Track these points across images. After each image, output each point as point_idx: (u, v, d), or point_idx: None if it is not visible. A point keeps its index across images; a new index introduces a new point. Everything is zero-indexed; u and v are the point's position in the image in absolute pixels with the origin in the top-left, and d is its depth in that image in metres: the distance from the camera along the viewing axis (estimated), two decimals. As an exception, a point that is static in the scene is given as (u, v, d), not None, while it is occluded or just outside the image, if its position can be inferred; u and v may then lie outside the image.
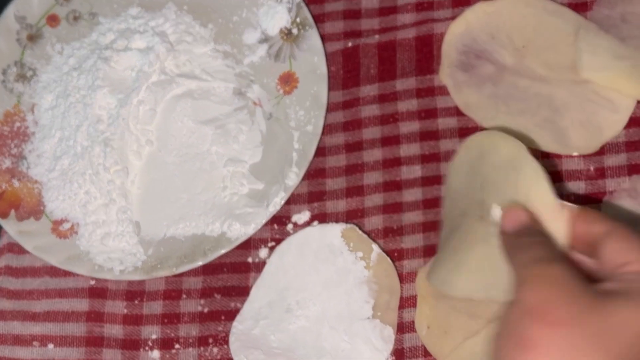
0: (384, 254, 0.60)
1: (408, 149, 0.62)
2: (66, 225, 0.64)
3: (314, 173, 0.63)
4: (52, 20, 0.69)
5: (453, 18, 0.64)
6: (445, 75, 0.63)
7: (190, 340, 0.61)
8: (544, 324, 0.39)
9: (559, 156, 0.60)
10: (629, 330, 0.39)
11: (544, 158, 0.60)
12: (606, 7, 0.63)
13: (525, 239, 0.45)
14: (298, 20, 0.66)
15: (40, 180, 0.65)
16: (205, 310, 0.61)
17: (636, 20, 0.62)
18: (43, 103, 0.67)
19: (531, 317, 0.39)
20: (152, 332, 0.62)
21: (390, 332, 0.58)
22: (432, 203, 0.61)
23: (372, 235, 0.61)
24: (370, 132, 0.63)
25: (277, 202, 0.62)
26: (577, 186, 0.60)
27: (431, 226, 0.60)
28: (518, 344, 0.39)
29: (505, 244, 0.47)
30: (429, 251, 0.60)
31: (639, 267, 0.41)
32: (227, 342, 0.60)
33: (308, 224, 0.62)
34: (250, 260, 0.62)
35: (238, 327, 0.60)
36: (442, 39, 0.64)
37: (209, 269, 0.62)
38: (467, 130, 0.62)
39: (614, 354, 0.38)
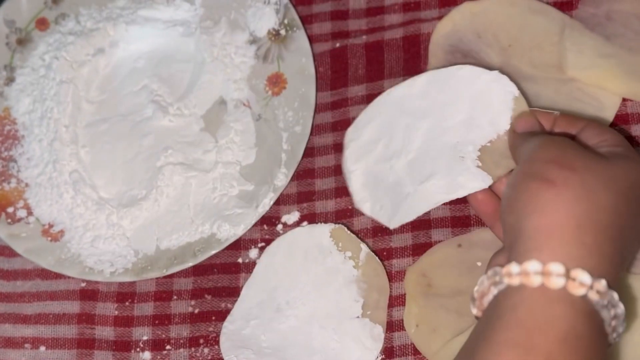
0: (373, 254, 0.60)
1: (396, 149, 0.63)
2: (56, 228, 0.64)
3: (302, 173, 0.64)
4: (41, 23, 0.69)
5: (440, 18, 0.65)
6: None
7: (181, 341, 0.61)
8: (565, 168, 0.47)
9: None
10: (625, 176, 0.48)
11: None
12: (591, 6, 0.63)
13: (534, 135, 0.53)
14: (286, 21, 0.66)
15: (30, 183, 0.66)
16: (196, 311, 0.62)
17: (621, 18, 0.62)
18: (20, 106, 0.67)
19: (554, 163, 0.48)
20: (143, 333, 0.62)
21: (379, 331, 0.58)
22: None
23: (361, 234, 0.61)
24: (359, 132, 0.64)
25: (266, 203, 0.62)
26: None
27: (420, 225, 0.61)
28: (543, 183, 0.47)
29: (515, 140, 0.54)
30: (418, 250, 0.60)
31: (613, 141, 0.51)
32: (218, 343, 0.60)
33: (297, 224, 0.63)
34: (240, 260, 0.63)
35: (229, 327, 0.60)
36: (429, 38, 0.64)
37: (199, 270, 0.63)
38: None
39: (616, 192, 0.47)
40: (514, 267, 0.46)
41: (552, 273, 0.45)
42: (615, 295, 0.46)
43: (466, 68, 0.58)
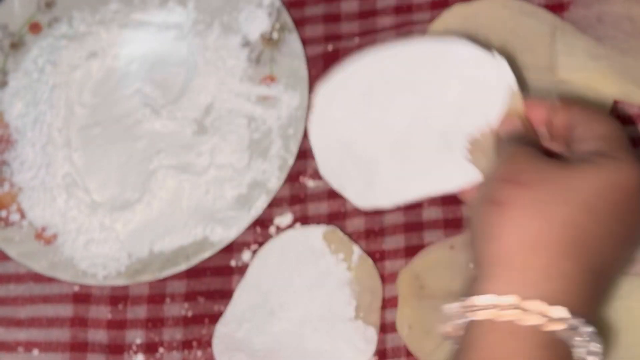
0: (366, 256, 0.60)
1: (388, 151, 0.63)
2: (50, 232, 0.64)
3: (295, 176, 0.64)
4: (34, 27, 0.69)
5: (432, 20, 0.65)
6: None
7: (175, 344, 0.61)
8: (515, 185, 0.44)
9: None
10: (587, 185, 0.44)
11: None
12: (583, 8, 0.63)
13: (505, 146, 0.50)
14: (278, 24, 0.66)
15: (23, 186, 0.66)
16: (189, 314, 0.62)
17: (612, 19, 0.62)
18: (13, 110, 0.67)
19: (504, 182, 0.45)
20: (137, 336, 0.62)
21: (372, 333, 0.58)
22: (413, 204, 0.61)
23: (353, 237, 0.61)
24: (351, 135, 0.64)
25: (259, 206, 0.62)
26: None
27: (412, 227, 0.61)
28: (493, 203, 0.45)
29: (496, 147, 0.51)
30: (410, 252, 0.60)
31: (594, 147, 0.47)
32: (211, 345, 0.60)
33: (290, 226, 0.63)
34: (233, 263, 0.63)
35: (221, 330, 0.60)
36: (421, 41, 0.64)
37: (192, 273, 0.63)
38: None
39: (574, 204, 0.44)
40: (473, 300, 0.44)
41: (503, 306, 0.43)
42: (578, 320, 0.43)
43: (465, 47, 0.54)
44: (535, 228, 0.43)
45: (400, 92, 0.55)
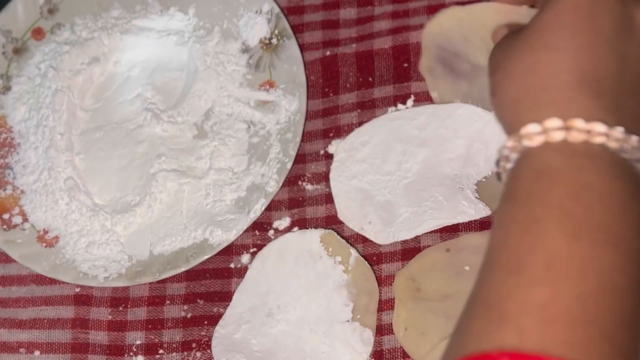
0: (362, 258, 0.61)
1: (386, 155, 0.64)
2: (51, 234, 0.65)
3: (293, 180, 0.65)
4: (37, 33, 0.70)
5: (428, 26, 0.66)
6: (425, 68, 0.64)
7: (174, 345, 0.62)
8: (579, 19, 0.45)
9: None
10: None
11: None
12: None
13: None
14: (277, 30, 0.67)
15: (25, 190, 0.67)
16: (189, 315, 0.63)
17: None
18: (16, 115, 0.68)
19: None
20: (137, 337, 0.63)
21: (369, 335, 0.59)
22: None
23: (351, 240, 0.62)
24: (349, 139, 0.65)
25: (257, 209, 0.63)
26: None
27: (409, 230, 0.61)
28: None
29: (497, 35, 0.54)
30: (407, 255, 0.61)
31: None
32: (210, 347, 0.61)
33: (288, 229, 0.64)
34: (232, 265, 0.63)
35: (220, 331, 0.61)
36: (418, 47, 0.65)
37: (191, 275, 0.63)
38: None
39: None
40: (533, 127, 0.43)
41: (574, 127, 0.42)
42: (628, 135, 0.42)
43: (465, 107, 0.62)
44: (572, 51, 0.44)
45: (413, 147, 0.62)
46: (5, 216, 0.66)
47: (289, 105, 0.65)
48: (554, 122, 0.43)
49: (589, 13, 0.46)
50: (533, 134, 0.44)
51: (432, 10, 0.66)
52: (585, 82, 0.44)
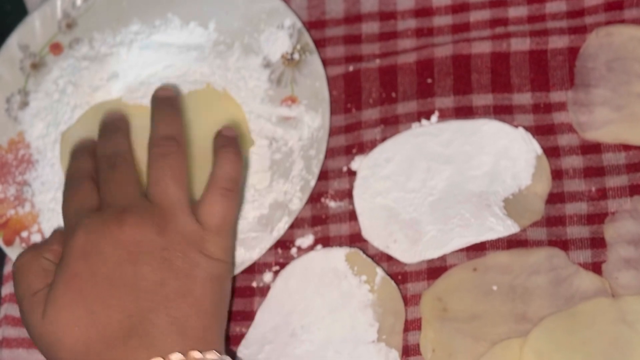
0: (388, 277, 0.60)
1: (410, 172, 0.63)
2: (71, 252, 0.64)
3: (316, 197, 0.64)
4: (55, 48, 0.70)
5: (454, 43, 0.65)
6: None
7: (196, 366, 0.61)
8: None
9: (559, 177, 0.61)
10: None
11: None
12: (588, 61, 0.63)
13: None
14: (299, 45, 0.66)
15: (42, 207, 0.66)
16: (211, 335, 0.62)
17: (621, 66, 0.62)
18: (33, 131, 0.67)
19: None
20: (158, 358, 0.62)
21: (395, 356, 0.58)
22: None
23: (375, 258, 0.61)
24: (373, 156, 0.64)
25: (281, 227, 0.62)
26: (579, 207, 0.60)
27: (434, 249, 0.61)
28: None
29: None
30: (433, 274, 0.60)
31: None
32: (232, 367, 0.60)
33: (312, 247, 0.63)
34: (254, 284, 0.63)
35: (243, 351, 0.60)
36: (442, 62, 0.65)
37: (213, 294, 0.63)
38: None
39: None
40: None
41: None
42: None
43: (492, 124, 0.62)
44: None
45: (438, 164, 0.61)
46: (24, 234, 0.65)
47: (312, 122, 0.65)
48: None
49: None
50: None
51: (457, 29, 0.65)
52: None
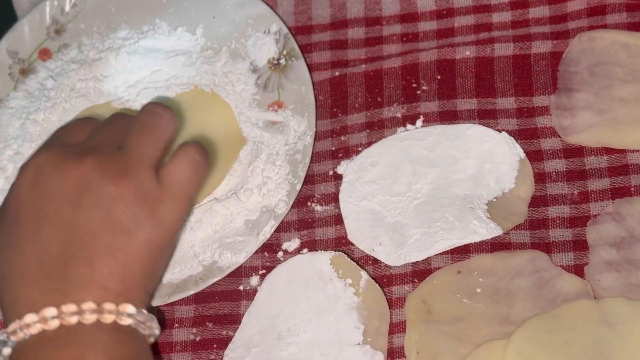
0: (373, 281, 0.61)
1: (395, 176, 0.64)
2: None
3: (303, 201, 0.64)
4: (44, 54, 0.70)
5: (439, 48, 0.65)
6: None
7: (183, 369, 0.62)
8: None
9: (542, 180, 0.61)
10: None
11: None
12: (571, 65, 0.64)
13: None
14: (285, 51, 0.67)
15: None
16: (198, 338, 0.62)
17: (603, 70, 0.63)
18: (9, 130, 0.67)
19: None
20: (145, 361, 0.62)
21: (380, 358, 0.59)
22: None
23: (361, 262, 0.62)
24: (358, 160, 0.64)
25: (267, 231, 0.63)
26: (562, 210, 0.61)
27: (419, 252, 0.61)
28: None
29: None
30: (417, 276, 0.60)
31: None
32: (219, 370, 0.61)
33: (298, 251, 0.63)
34: (241, 288, 0.63)
35: (230, 355, 0.61)
36: (427, 67, 0.65)
37: (200, 298, 0.63)
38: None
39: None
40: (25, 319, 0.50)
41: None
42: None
43: (476, 128, 0.63)
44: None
45: (423, 168, 0.62)
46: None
47: (298, 126, 0.65)
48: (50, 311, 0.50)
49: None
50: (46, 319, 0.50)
51: (442, 34, 0.66)
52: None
